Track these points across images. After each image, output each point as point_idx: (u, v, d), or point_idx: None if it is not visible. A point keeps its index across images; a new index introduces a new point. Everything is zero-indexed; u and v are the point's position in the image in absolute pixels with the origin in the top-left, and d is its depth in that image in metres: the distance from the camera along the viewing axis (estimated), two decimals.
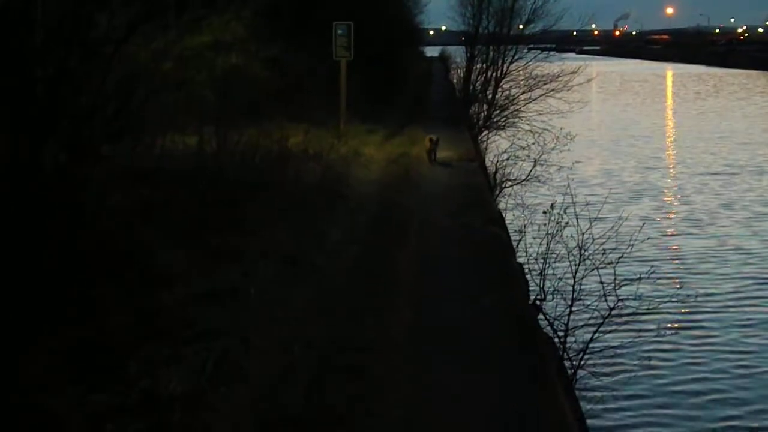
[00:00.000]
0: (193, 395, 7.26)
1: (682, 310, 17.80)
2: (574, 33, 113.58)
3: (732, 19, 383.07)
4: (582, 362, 12.46)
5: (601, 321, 12.65)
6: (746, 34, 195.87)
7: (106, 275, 8.93)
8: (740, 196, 32.06)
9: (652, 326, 15.14)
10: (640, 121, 59.09)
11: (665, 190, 33.87)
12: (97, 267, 8.92)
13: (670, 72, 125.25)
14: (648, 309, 14.09)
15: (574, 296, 12.71)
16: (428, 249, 13.33)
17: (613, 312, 12.65)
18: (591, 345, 12.56)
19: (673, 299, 16.84)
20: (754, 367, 15.71)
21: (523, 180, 28.08)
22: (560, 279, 13.12)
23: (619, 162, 40.15)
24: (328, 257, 12.22)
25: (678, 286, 18.21)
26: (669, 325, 16.68)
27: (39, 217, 8.51)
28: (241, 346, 8.42)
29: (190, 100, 14.81)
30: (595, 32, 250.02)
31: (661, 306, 15.12)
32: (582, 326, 12.74)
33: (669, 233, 26.25)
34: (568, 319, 12.57)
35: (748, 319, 18.21)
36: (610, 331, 12.91)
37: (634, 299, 13.42)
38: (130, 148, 11.45)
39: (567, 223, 13.75)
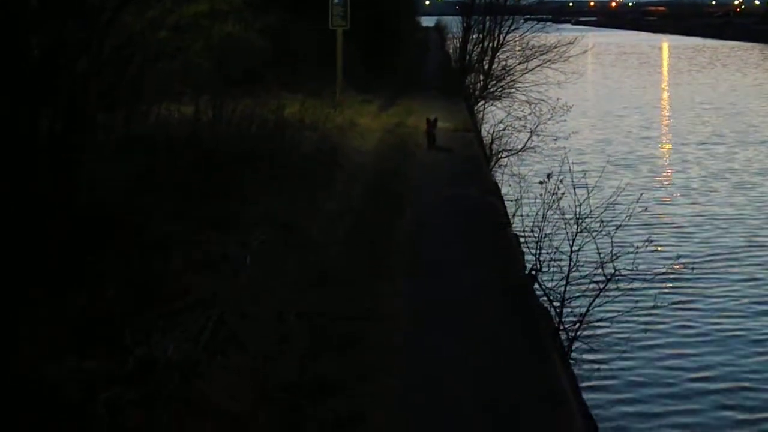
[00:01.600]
0: (189, 364, 7.25)
1: (679, 280, 17.80)
2: (571, 4, 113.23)
3: None
4: (578, 333, 12.44)
5: (598, 292, 12.61)
6: (743, 7, 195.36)
7: (101, 242, 8.90)
8: (734, 166, 32.15)
9: (649, 297, 15.11)
10: (635, 92, 59.02)
11: (661, 160, 33.93)
12: (93, 234, 8.89)
13: (666, 44, 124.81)
14: (645, 279, 14.06)
15: (571, 267, 12.66)
16: (424, 218, 13.33)
17: (610, 283, 12.61)
18: (587, 316, 12.52)
19: (671, 269, 16.84)
20: (752, 339, 15.72)
21: (520, 150, 28.06)
22: (557, 250, 13.07)
23: (615, 132, 40.11)
24: (324, 226, 12.20)
25: (675, 255, 18.15)
26: (666, 295, 16.65)
27: (34, 184, 8.48)
28: (236, 315, 8.41)
29: (186, 69, 14.77)
30: (592, 3, 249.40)
31: (658, 276, 15.12)
32: (578, 297, 12.69)
33: (665, 202, 26.29)
34: (564, 290, 12.52)
35: (746, 289, 18.22)
36: (607, 302, 12.84)
37: (631, 270, 13.37)
38: (125, 116, 11.42)
39: (563, 193, 13.67)
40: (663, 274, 15.82)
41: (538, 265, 12.88)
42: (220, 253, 10.18)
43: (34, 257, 8.17)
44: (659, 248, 19.44)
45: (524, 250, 13.63)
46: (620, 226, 13.54)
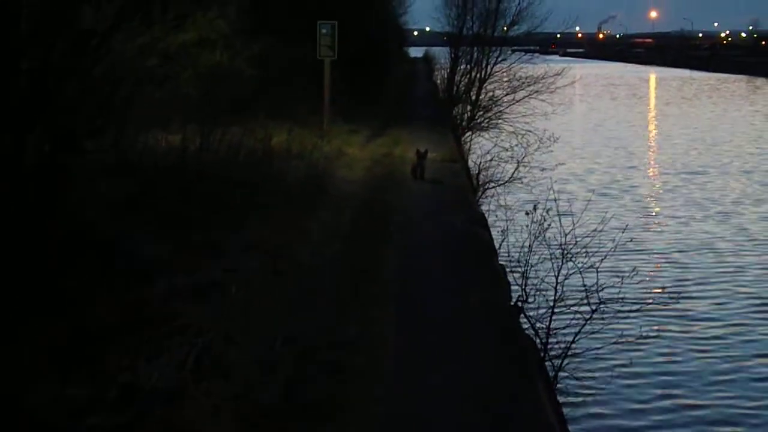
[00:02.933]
0: (175, 390, 7.24)
1: (665, 309, 17.83)
2: (558, 35, 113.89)
3: (715, 24, 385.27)
4: (563, 364, 12.47)
5: (583, 323, 12.66)
6: (729, 39, 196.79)
7: (88, 268, 8.90)
8: (716, 195, 32.42)
9: (634, 326, 15.18)
10: (621, 123, 59.42)
11: (646, 189, 34.19)
12: (80, 259, 8.89)
13: (653, 75, 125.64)
14: (630, 310, 14.10)
15: (557, 297, 12.71)
16: (411, 247, 13.34)
17: (595, 314, 12.66)
18: (572, 347, 12.55)
19: (656, 298, 16.89)
20: (737, 369, 15.76)
21: (506, 181, 28.18)
22: (543, 280, 13.12)
23: (601, 163, 40.39)
24: (311, 253, 12.22)
25: (661, 287, 18.24)
26: (652, 324, 16.70)
27: (21, 207, 8.48)
28: (222, 341, 8.40)
29: (174, 97, 14.80)
30: (579, 35, 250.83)
31: (643, 307, 15.16)
32: (564, 328, 12.73)
33: (651, 230, 26.49)
34: (550, 321, 12.57)
35: (731, 319, 18.30)
36: (593, 333, 12.89)
37: (617, 299, 13.43)
38: (113, 142, 11.44)
39: (550, 224, 13.75)
40: (648, 302, 15.87)
41: (524, 296, 12.92)
42: (208, 279, 10.18)
43: (18, 280, 8.16)
44: (645, 278, 19.50)
45: (510, 280, 13.67)
46: (606, 256, 13.62)
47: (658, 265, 22.42)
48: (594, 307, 12.67)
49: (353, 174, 19.59)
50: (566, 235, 13.40)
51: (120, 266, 9.46)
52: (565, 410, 11.53)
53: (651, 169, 39.56)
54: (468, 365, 8.72)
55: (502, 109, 34.77)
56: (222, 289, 9.96)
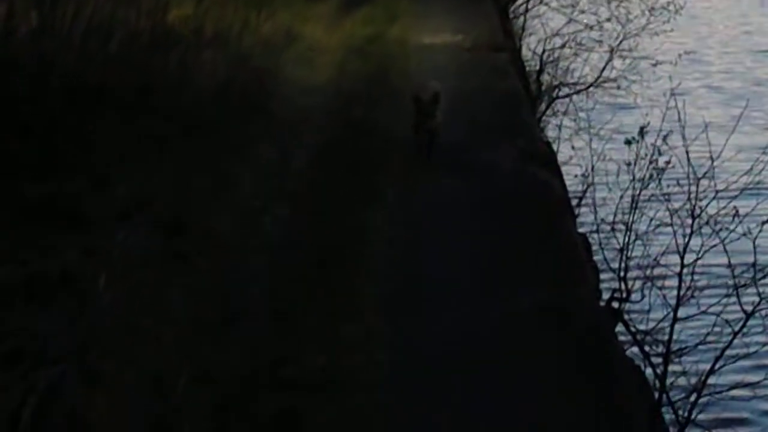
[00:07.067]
0: None
1: None
2: None
3: None
4: (695, 413, 12.49)
5: (731, 337, 12.65)
6: None
7: None
8: None
9: None
10: None
11: None
12: None
13: None
14: None
15: (682, 294, 12.70)
16: (418, 216, 13.31)
17: (752, 321, 12.65)
18: (711, 380, 12.57)
19: None
20: None
21: (591, 85, 28.10)
22: (657, 263, 13.11)
23: (760, 54, 39.96)
24: (239, 224, 12.22)
25: None
26: None
27: None
28: (81, 379, 8.42)
29: None
30: None
31: None
32: (695, 347, 12.75)
33: None
34: (671, 335, 12.58)
35: None
36: (746, 356, 12.91)
37: None
38: None
39: (669, 162, 13.71)
40: None
41: (624, 291, 12.93)
42: (56, 269, 10.16)
43: None
44: None
45: (599, 262, 13.67)
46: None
47: None
48: (750, 310, 12.65)
49: (315, 76, 19.53)
50: (699, 181, 13.35)
51: None
52: None
53: None
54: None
55: None
56: (81, 288, 9.96)
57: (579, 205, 15.71)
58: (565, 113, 26.34)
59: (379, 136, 15.93)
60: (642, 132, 13.91)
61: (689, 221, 12.98)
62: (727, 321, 12.72)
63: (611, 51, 28.32)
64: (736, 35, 42.65)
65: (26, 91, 12.85)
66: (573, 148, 19.77)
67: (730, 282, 12.82)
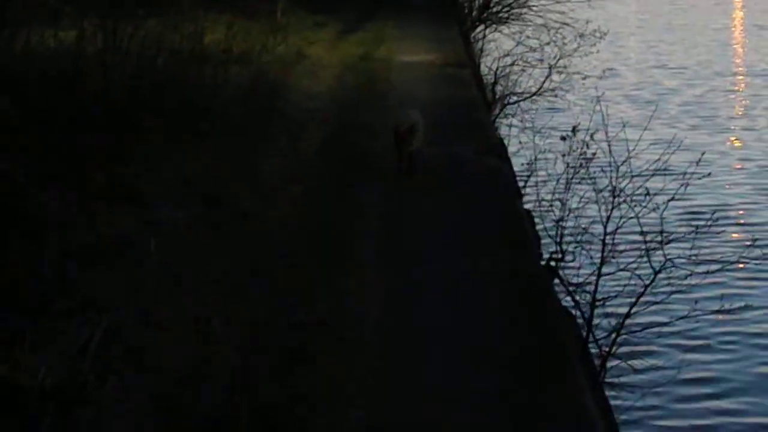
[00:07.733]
0: (70, 389, 7.19)
1: (756, 273, 17.75)
2: None
3: None
4: (614, 348, 12.46)
5: (642, 289, 12.63)
6: None
7: None
8: None
9: (713, 296, 15.10)
10: (688, 9, 58.56)
11: (727, 109, 33.47)
12: None
13: None
14: (708, 272, 13.98)
15: (605, 255, 12.69)
16: (401, 193, 13.31)
17: (660, 276, 12.64)
18: (627, 322, 12.54)
19: (744, 257, 16.65)
20: None
21: (534, 94, 28.08)
22: (586, 231, 13.09)
23: (665, 69, 39.91)
24: (261, 200, 12.19)
25: (750, 239, 17.94)
26: (737, 294, 16.63)
27: None
28: (137, 322, 8.37)
29: None
30: None
31: (726, 268, 14.94)
32: (615, 296, 12.71)
33: (736, 168, 26.16)
34: (596, 287, 12.55)
35: None
36: (655, 303, 12.88)
37: (689, 258, 13.34)
38: None
39: (595, 153, 13.69)
40: (733, 261, 15.68)
41: (560, 253, 12.91)
42: (116, 235, 10.13)
43: None
44: (728, 226, 19.37)
45: (540, 231, 13.64)
46: (674, 197, 13.53)
47: (742, 211, 22.30)
48: (658, 268, 12.64)
49: (319, 85, 19.53)
50: (618, 168, 13.34)
51: None
52: (619, 417, 11.54)
53: (737, 76, 39.10)
54: (480, 358, 8.74)
55: None
56: (136, 250, 9.92)
57: (525, 186, 15.65)
58: (513, 116, 26.33)
59: (368, 133, 15.95)
60: (574, 130, 13.90)
61: (611, 199, 12.98)
62: (639, 276, 12.73)
63: (550, 68, 28.28)
64: (646, 55, 42.58)
65: (94, 98, 12.84)
66: (520, 142, 19.78)
67: (643, 246, 12.82)
